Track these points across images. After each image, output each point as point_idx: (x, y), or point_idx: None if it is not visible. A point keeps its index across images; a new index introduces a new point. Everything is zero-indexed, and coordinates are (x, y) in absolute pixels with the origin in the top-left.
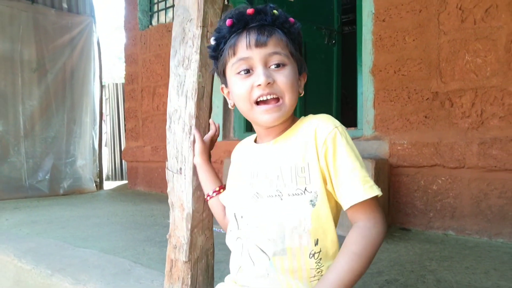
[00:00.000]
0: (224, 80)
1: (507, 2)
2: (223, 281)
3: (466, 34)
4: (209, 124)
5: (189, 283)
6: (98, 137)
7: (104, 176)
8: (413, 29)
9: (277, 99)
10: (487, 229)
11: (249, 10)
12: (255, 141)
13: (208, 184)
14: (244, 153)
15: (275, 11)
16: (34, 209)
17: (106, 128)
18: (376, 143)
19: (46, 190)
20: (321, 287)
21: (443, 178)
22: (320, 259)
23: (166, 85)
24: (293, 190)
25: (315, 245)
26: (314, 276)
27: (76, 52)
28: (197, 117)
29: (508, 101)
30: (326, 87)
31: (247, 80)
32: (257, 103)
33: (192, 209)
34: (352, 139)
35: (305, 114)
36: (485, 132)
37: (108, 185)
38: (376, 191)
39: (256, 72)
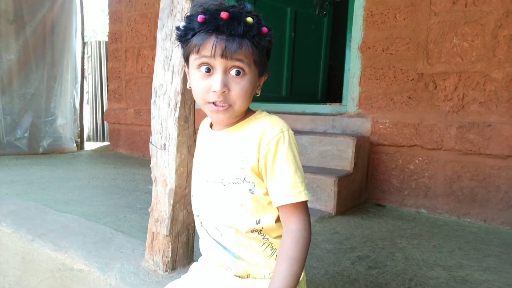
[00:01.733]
0: (186, 63)
1: None
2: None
3: (456, 17)
4: (194, 101)
5: (170, 255)
6: (79, 96)
7: (85, 137)
8: (405, 7)
9: (227, 106)
10: (457, 209)
11: (223, 14)
12: (211, 125)
13: None
14: (202, 134)
15: (249, 19)
16: (13, 168)
17: (88, 87)
18: (359, 120)
19: (25, 148)
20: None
21: (420, 159)
22: (264, 234)
23: (151, 47)
24: (233, 179)
25: (257, 224)
26: (263, 245)
27: (57, 5)
28: (183, 94)
29: (489, 87)
30: (314, 59)
31: (205, 80)
32: (209, 102)
33: (175, 185)
34: (336, 115)
35: (292, 87)
36: (465, 116)
37: (89, 145)
38: (303, 197)
39: (214, 77)
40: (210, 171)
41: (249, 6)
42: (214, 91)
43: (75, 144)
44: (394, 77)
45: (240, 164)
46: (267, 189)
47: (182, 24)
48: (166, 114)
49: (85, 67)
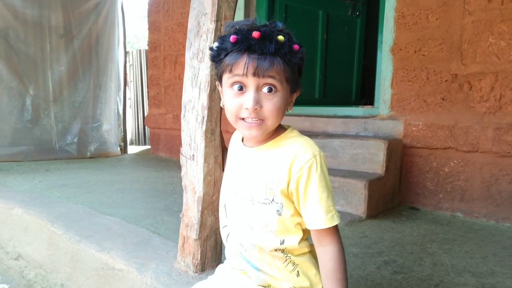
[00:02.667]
0: (219, 82)
1: None
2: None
3: (491, 15)
4: (220, 114)
5: (199, 258)
6: (122, 102)
7: (128, 141)
8: (437, 7)
9: (261, 120)
10: (495, 213)
11: (255, 34)
12: (243, 139)
13: None
14: (234, 147)
15: (280, 37)
16: (64, 172)
17: (130, 94)
18: (391, 123)
19: (74, 152)
20: None
21: (455, 161)
22: (287, 253)
23: None
24: (262, 199)
25: (281, 244)
26: (285, 261)
27: (101, 18)
28: (209, 108)
29: None
30: (348, 60)
31: (238, 97)
32: (241, 119)
33: (203, 193)
34: (368, 117)
35: (325, 89)
36: (502, 117)
37: (132, 149)
38: (336, 221)
39: (247, 95)
40: (241, 187)
41: (280, 25)
42: (247, 108)
43: (119, 148)
44: (427, 79)
45: (270, 186)
46: (295, 210)
47: (215, 44)
48: (194, 127)
49: (127, 75)
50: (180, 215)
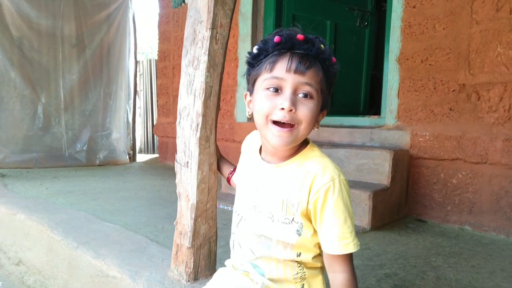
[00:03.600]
0: (251, 89)
1: None
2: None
3: (500, 24)
4: (215, 122)
5: (192, 266)
6: (132, 111)
7: (137, 149)
8: (444, 17)
9: (291, 126)
10: (506, 227)
11: (300, 36)
12: (260, 151)
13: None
14: (250, 157)
15: (322, 46)
16: (71, 179)
17: (140, 103)
18: (398, 133)
19: (83, 160)
20: None
21: (463, 173)
22: (302, 266)
23: None
24: (282, 218)
25: (297, 256)
26: (297, 273)
27: (113, 28)
28: (204, 115)
29: None
30: (356, 70)
31: (272, 98)
32: (273, 122)
33: (196, 200)
34: (374, 127)
35: (332, 99)
36: (511, 129)
37: (141, 157)
38: (351, 249)
39: (283, 95)
40: (260, 204)
41: (321, 39)
42: (282, 108)
43: (127, 156)
44: (434, 89)
45: (290, 206)
46: (314, 230)
47: (256, 47)
48: (189, 134)
49: (137, 84)
50: (174, 223)
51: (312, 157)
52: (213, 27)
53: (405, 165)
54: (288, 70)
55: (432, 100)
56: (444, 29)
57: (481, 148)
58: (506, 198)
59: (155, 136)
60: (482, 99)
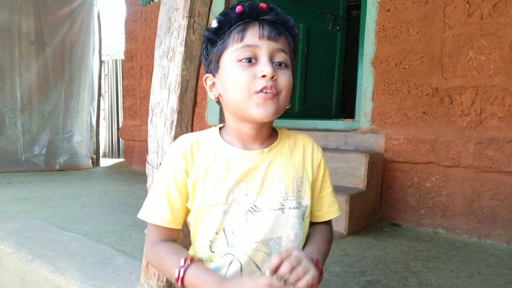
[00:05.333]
0: (215, 67)
1: None
2: None
3: (471, 30)
4: (192, 119)
5: (165, 280)
6: (96, 113)
7: (101, 153)
8: (417, 21)
9: (273, 96)
10: (477, 229)
11: (263, 5)
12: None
13: (174, 261)
14: (223, 157)
15: (284, 15)
16: (27, 185)
17: (104, 105)
18: (372, 137)
19: (42, 165)
20: (319, 256)
21: (437, 176)
22: None
23: None
24: (294, 203)
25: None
26: None
27: (76, 26)
28: (179, 112)
29: (508, 102)
30: (328, 75)
31: (248, 69)
32: (256, 93)
33: None
34: (349, 131)
35: (305, 103)
36: (483, 132)
37: (105, 162)
38: (340, 210)
39: (261, 63)
40: (264, 198)
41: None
42: (264, 75)
43: (90, 161)
44: (408, 92)
45: (299, 186)
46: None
47: (215, 20)
48: (162, 132)
49: (102, 85)
50: (145, 231)
51: (291, 133)
52: (191, 15)
53: (380, 168)
54: (261, 36)
55: (406, 104)
56: (417, 33)
57: (454, 151)
58: (478, 201)
59: (120, 139)
60: (454, 103)
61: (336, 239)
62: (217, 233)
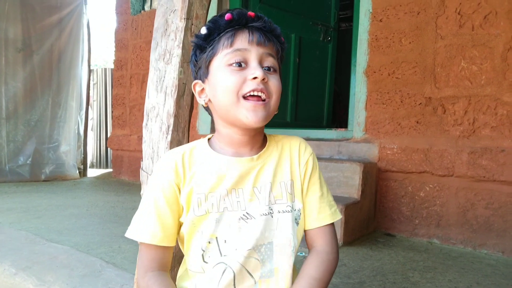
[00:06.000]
0: (204, 73)
1: (506, 9)
2: None
3: (463, 40)
4: (189, 124)
5: None
6: (83, 122)
7: (89, 163)
8: (410, 31)
9: (263, 101)
10: (472, 239)
11: (251, 13)
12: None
13: None
14: (214, 167)
15: (271, 23)
16: (11, 195)
17: (93, 114)
18: (365, 146)
19: (27, 175)
20: None
21: (431, 186)
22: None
23: None
24: (284, 207)
25: (293, 263)
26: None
27: (65, 34)
28: (176, 116)
29: (501, 111)
30: (319, 85)
31: (238, 73)
32: (244, 98)
33: None
34: (342, 140)
35: (296, 113)
36: (476, 141)
37: (92, 172)
38: (338, 215)
39: (251, 66)
40: (255, 204)
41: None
42: (255, 77)
43: (77, 171)
44: (401, 102)
45: (289, 189)
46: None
47: (204, 27)
48: (158, 137)
49: (91, 94)
50: (139, 242)
51: (280, 138)
52: (188, 17)
53: (374, 178)
54: (251, 41)
55: (399, 113)
56: (410, 43)
57: (448, 160)
58: (472, 210)
59: (108, 149)
60: (447, 112)
61: None
62: (209, 242)
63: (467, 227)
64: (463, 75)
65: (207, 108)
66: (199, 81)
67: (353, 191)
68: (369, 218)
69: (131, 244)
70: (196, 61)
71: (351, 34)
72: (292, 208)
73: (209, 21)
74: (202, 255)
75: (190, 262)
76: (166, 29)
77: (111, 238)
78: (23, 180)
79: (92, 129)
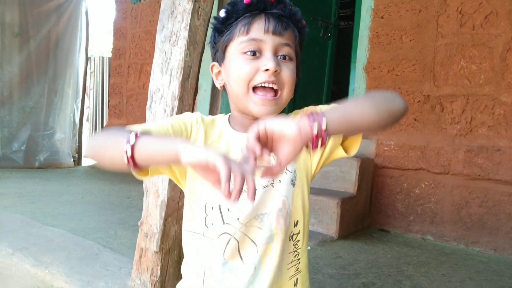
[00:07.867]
0: (221, 57)
1: (507, 10)
2: None
3: (463, 39)
4: (193, 107)
5: (158, 274)
6: (79, 110)
7: (83, 152)
8: (411, 28)
9: (275, 92)
10: (465, 236)
11: None
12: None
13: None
14: (227, 140)
15: (292, 8)
16: (5, 181)
17: (89, 103)
18: (363, 142)
19: (20, 161)
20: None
21: (426, 183)
22: (298, 241)
23: None
24: (283, 175)
25: (294, 226)
26: (291, 262)
27: (63, 20)
28: (181, 99)
29: (498, 111)
30: (318, 81)
31: (252, 62)
32: (254, 90)
33: (168, 197)
34: None
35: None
36: (473, 140)
37: (87, 161)
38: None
39: (265, 57)
40: (257, 178)
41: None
42: (267, 69)
43: (72, 159)
44: None
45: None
46: (306, 184)
47: (223, 10)
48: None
49: (87, 82)
50: (139, 223)
51: (291, 116)
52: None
53: (370, 174)
54: (266, 31)
55: None
56: (410, 40)
57: (444, 158)
58: (466, 208)
59: None
60: (445, 110)
61: (327, 242)
62: (212, 208)
63: (461, 224)
64: (462, 74)
65: (224, 90)
66: (216, 63)
67: (350, 186)
68: (364, 213)
69: (128, 231)
70: (214, 43)
71: (349, 32)
72: (286, 170)
73: (228, 4)
74: (205, 218)
75: (190, 221)
76: (173, 11)
77: (107, 224)
78: (16, 166)
79: (88, 118)
